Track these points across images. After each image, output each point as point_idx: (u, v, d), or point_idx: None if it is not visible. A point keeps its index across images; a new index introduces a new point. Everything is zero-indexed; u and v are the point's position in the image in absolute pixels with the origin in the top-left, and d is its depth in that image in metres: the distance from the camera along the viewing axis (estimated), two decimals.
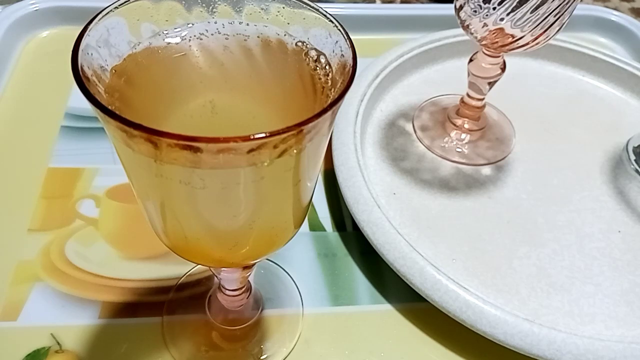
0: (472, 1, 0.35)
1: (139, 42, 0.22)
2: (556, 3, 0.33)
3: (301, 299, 0.36)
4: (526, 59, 0.55)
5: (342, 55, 0.21)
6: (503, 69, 0.41)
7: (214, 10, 0.23)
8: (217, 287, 0.32)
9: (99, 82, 0.20)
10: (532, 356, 0.32)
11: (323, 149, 0.21)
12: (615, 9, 0.64)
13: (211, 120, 0.22)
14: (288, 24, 0.23)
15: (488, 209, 0.42)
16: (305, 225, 0.40)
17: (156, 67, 0.22)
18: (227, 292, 0.31)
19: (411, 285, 0.34)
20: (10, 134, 0.44)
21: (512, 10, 0.34)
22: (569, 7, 0.34)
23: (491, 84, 0.42)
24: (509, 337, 0.32)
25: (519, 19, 0.34)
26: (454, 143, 0.46)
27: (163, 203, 0.21)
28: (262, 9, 0.23)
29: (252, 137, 0.16)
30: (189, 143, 0.16)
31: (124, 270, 0.36)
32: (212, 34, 0.23)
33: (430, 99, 0.50)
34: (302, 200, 0.23)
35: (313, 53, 0.22)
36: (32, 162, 0.42)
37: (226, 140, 0.16)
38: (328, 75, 0.22)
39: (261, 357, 0.33)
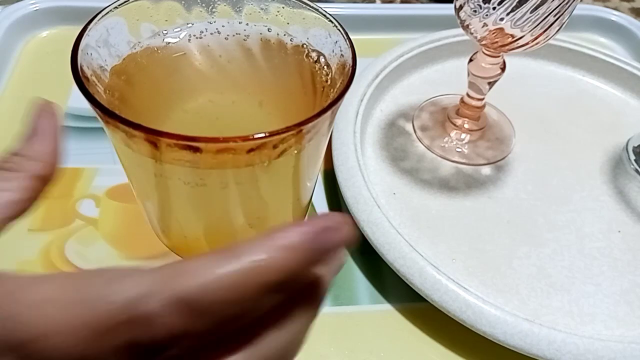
0: (472, 1, 0.35)
1: (139, 42, 0.22)
2: (556, 3, 0.33)
3: None
4: (526, 59, 0.55)
5: (341, 55, 0.21)
6: (503, 69, 0.41)
7: (214, 10, 0.23)
8: None
9: (99, 82, 0.20)
10: (532, 356, 0.32)
11: (323, 149, 0.21)
12: (615, 9, 0.64)
13: (211, 120, 0.22)
14: (288, 23, 0.23)
15: (488, 209, 0.42)
16: None
17: (156, 67, 0.22)
18: None
19: (411, 285, 0.34)
20: (10, 134, 0.43)
21: (512, 10, 0.34)
22: (568, 7, 0.34)
23: (491, 84, 0.42)
24: (508, 337, 0.32)
25: (519, 18, 0.34)
26: (454, 143, 0.46)
27: (163, 203, 0.21)
28: (261, 8, 0.23)
29: (251, 137, 0.16)
30: (189, 143, 0.16)
31: None
32: (211, 34, 0.23)
33: (430, 99, 0.50)
34: (302, 199, 0.23)
35: (312, 53, 0.22)
36: None
37: (226, 140, 0.16)
38: (328, 75, 0.22)
39: None
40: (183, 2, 0.23)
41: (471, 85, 0.43)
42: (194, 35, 0.23)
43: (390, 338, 0.34)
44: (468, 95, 0.44)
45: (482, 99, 0.44)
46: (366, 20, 0.58)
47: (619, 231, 0.41)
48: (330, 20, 0.21)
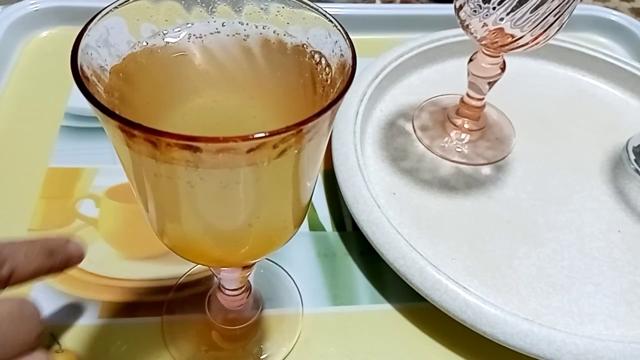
0: (472, 1, 0.35)
1: (139, 42, 0.22)
2: (556, 3, 0.33)
3: (301, 298, 0.36)
4: (526, 59, 0.55)
5: (341, 55, 0.21)
6: (503, 68, 0.41)
7: (214, 10, 0.23)
8: (217, 287, 0.32)
9: (99, 82, 0.20)
10: (532, 356, 0.32)
11: (323, 149, 0.21)
12: (615, 9, 0.64)
13: (210, 120, 0.22)
14: (287, 23, 0.23)
15: (488, 209, 0.42)
16: (305, 225, 0.40)
17: (156, 67, 0.22)
18: (227, 292, 0.31)
19: (411, 285, 0.34)
20: (10, 134, 0.44)
21: (512, 10, 0.34)
22: (568, 7, 0.34)
23: (491, 84, 0.42)
24: (508, 337, 0.32)
25: (519, 18, 0.34)
26: (454, 143, 0.46)
27: (163, 203, 0.21)
28: (261, 8, 0.23)
29: (251, 137, 0.16)
30: (189, 143, 0.16)
31: (124, 270, 0.36)
32: (211, 34, 0.23)
33: (430, 99, 0.50)
34: (302, 199, 0.23)
35: (312, 53, 0.22)
36: (32, 162, 0.42)
37: (226, 140, 0.16)
38: (328, 75, 0.22)
39: (261, 357, 0.33)
40: (183, 2, 0.23)
41: (471, 85, 0.43)
42: (194, 35, 0.23)
43: (390, 338, 0.34)
44: (468, 95, 0.44)
45: (482, 99, 0.44)
46: (366, 20, 0.58)
47: (619, 231, 0.41)
48: (330, 20, 0.21)
